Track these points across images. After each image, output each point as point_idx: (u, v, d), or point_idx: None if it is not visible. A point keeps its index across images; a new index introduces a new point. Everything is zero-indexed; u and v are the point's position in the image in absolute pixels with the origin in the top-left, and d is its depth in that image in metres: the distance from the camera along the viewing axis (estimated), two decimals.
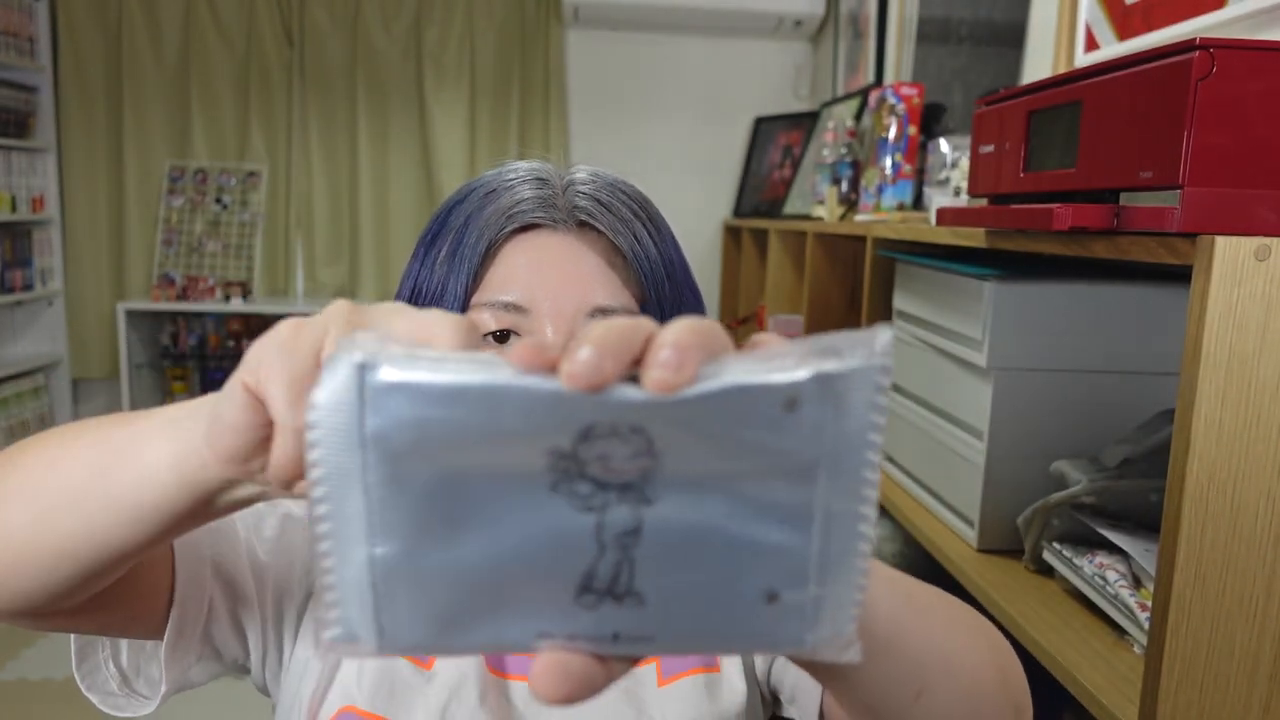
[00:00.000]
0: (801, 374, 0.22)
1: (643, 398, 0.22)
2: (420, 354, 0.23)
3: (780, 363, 0.23)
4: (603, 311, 0.49)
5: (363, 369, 0.22)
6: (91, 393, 2.78)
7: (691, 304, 0.54)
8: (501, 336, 0.50)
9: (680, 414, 0.22)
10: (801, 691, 0.49)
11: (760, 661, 0.53)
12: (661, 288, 0.52)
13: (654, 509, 0.23)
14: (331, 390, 0.23)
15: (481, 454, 0.23)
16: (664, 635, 0.24)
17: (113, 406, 2.72)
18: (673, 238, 0.55)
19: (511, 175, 0.53)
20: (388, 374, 0.22)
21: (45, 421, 2.60)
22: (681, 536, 0.23)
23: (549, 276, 0.50)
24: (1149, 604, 0.66)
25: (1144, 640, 0.64)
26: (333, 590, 0.24)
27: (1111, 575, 0.70)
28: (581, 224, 0.51)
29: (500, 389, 0.22)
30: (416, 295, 0.52)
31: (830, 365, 0.23)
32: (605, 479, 0.23)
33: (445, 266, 0.51)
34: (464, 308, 0.50)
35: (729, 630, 0.24)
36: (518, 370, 0.22)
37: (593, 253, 0.51)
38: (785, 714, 0.53)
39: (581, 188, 0.52)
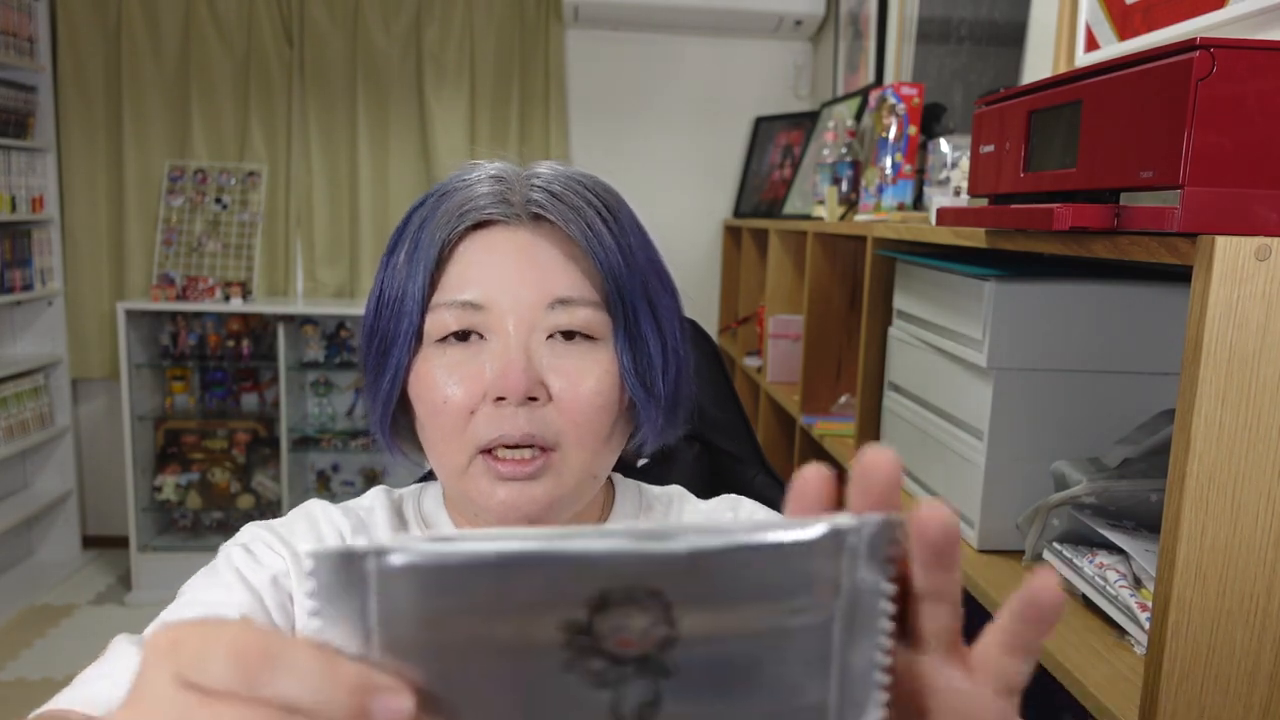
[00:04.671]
0: (823, 529, 0.23)
1: (660, 550, 0.22)
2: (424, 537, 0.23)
3: (794, 521, 0.23)
4: (562, 302, 0.49)
5: (367, 557, 0.22)
6: (91, 392, 2.78)
7: (658, 292, 0.53)
8: (462, 335, 0.49)
9: (697, 573, 0.22)
10: None
11: None
12: (620, 277, 0.50)
13: (671, 680, 0.23)
14: (334, 576, 0.22)
15: (493, 633, 0.22)
16: None
17: (112, 406, 2.72)
18: (635, 227, 0.54)
19: (468, 175, 0.53)
20: (396, 558, 0.22)
21: (45, 421, 2.60)
22: (701, 706, 0.23)
23: (506, 272, 0.49)
24: (1149, 604, 0.66)
25: (1144, 640, 0.64)
26: None
27: (1112, 575, 0.70)
28: (537, 217, 0.50)
29: (515, 556, 0.22)
30: (381, 301, 0.52)
31: (844, 521, 0.23)
32: (622, 654, 0.22)
33: (404, 270, 0.50)
34: (423, 309, 0.50)
35: None
36: (527, 539, 0.22)
37: (550, 245, 0.50)
38: None
39: (537, 182, 0.51)
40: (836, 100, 2.32)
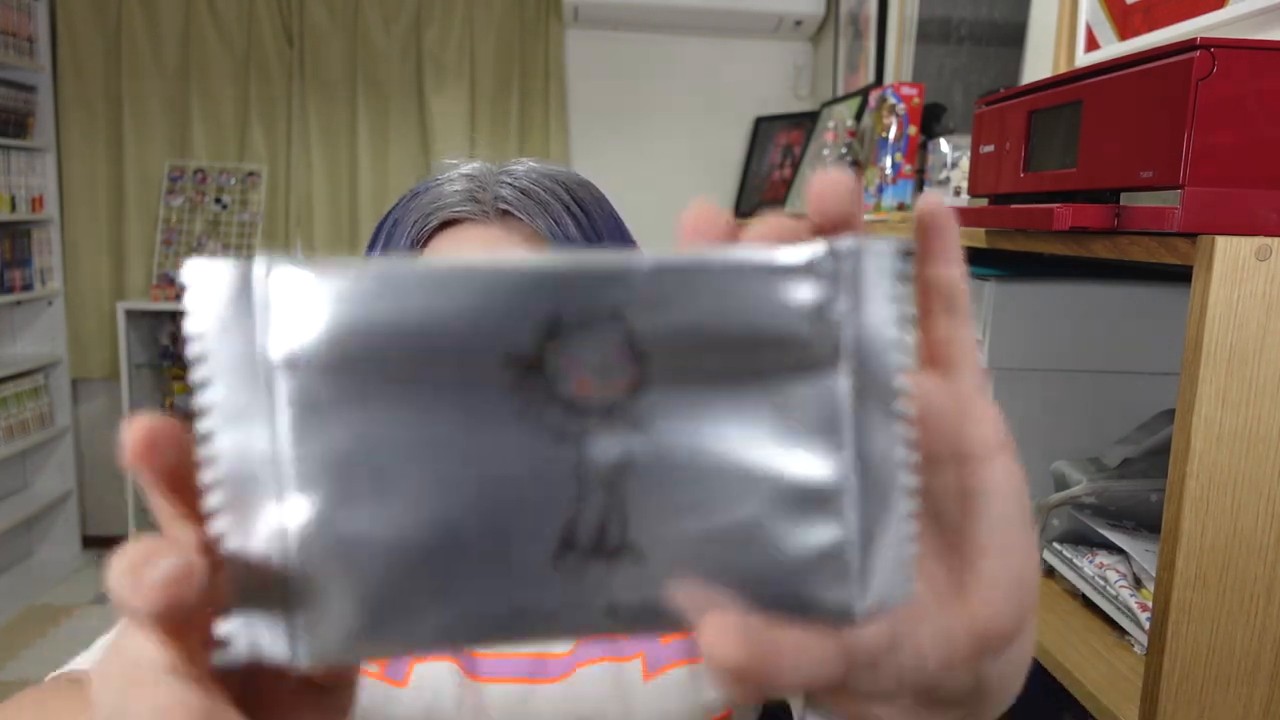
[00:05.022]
0: (814, 249, 0.18)
1: (616, 264, 0.17)
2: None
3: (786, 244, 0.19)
4: None
5: (252, 274, 0.18)
6: (91, 393, 2.78)
7: None
8: None
9: (666, 296, 0.18)
10: None
11: None
12: None
13: (645, 436, 0.18)
14: (214, 306, 0.18)
15: (422, 369, 0.17)
16: (671, 606, 0.19)
17: (112, 407, 2.72)
18: (611, 221, 0.53)
19: (442, 174, 0.53)
20: (289, 275, 0.17)
21: (45, 421, 2.60)
22: (683, 470, 0.18)
23: None
24: (1149, 604, 0.66)
25: (1144, 640, 0.64)
26: (228, 584, 0.18)
27: (1112, 575, 0.70)
28: (506, 214, 0.50)
29: (438, 274, 0.17)
30: None
31: (844, 242, 0.19)
32: (583, 401, 0.18)
33: None
34: None
35: (753, 597, 0.19)
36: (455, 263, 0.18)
37: (519, 241, 0.50)
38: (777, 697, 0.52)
39: (507, 179, 0.51)
40: (837, 100, 2.32)
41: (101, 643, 0.49)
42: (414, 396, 0.18)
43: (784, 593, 0.19)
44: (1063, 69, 1.19)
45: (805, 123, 2.44)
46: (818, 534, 0.18)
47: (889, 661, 0.20)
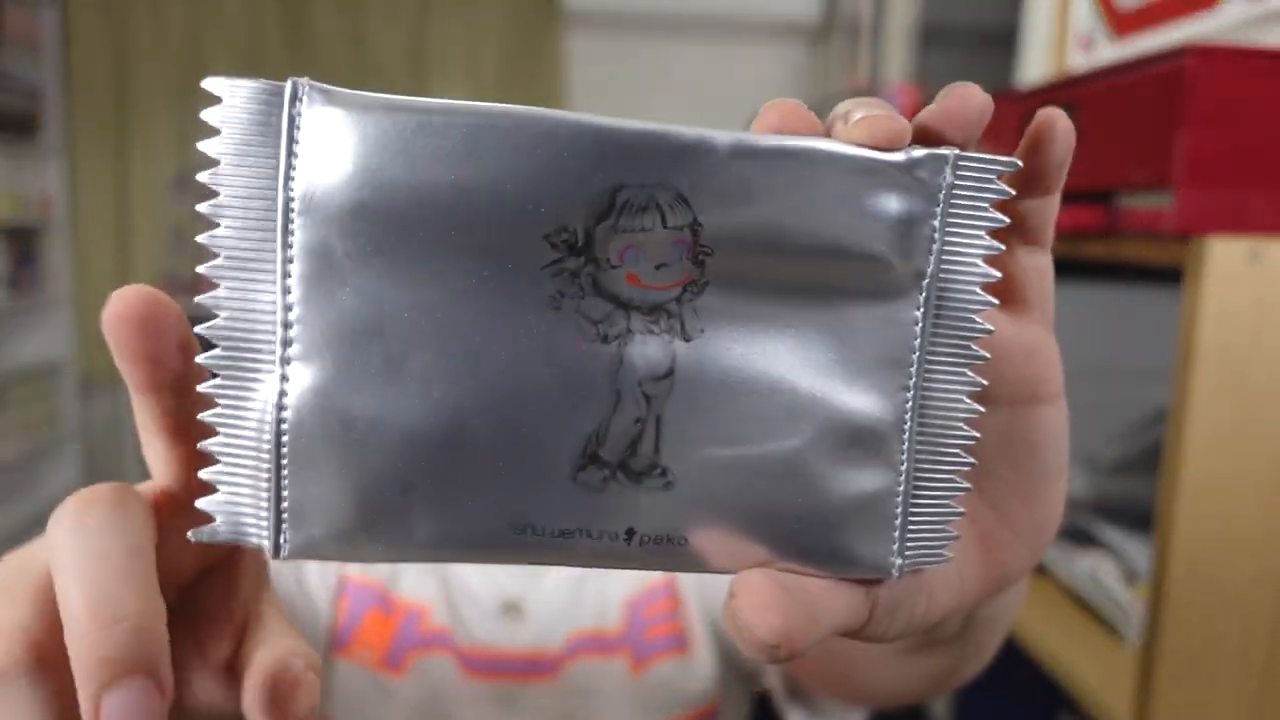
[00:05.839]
0: (915, 152, 0.16)
1: (691, 139, 0.15)
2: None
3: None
4: None
5: (280, 99, 0.15)
6: (99, 394, 2.80)
7: None
8: None
9: (746, 179, 0.15)
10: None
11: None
12: None
13: (692, 345, 0.16)
14: (232, 131, 0.15)
15: (455, 234, 0.15)
16: (698, 538, 0.16)
17: (120, 408, 2.73)
18: None
19: None
20: (319, 103, 0.15)
21: (53, 422, 2.62)
22: (728, 390, 0.16)
23: None
24: (1143, 602, 0.66)
25: (1137, 638, 0.65)
26: (217, 446, 0.16)
27: (1105, 573, 0.71)
28: None
29: (488, 123, 0.15)
30: None
31: (945, 151, 0.16)
32: (628, 293, 0.16)
33: None
34: None
35: (785, 541, 0.17)
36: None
37: None
38: (760, 685, 0.51)
39: None
40: (835, 101, 2.32)
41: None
42: (440, 266, 0.15)
43: (817, 540, 0.17)
44: (1057, 72, 1.20)
45: None
46: (863, 478, 0.16)
47: (905, 608, 0.19)
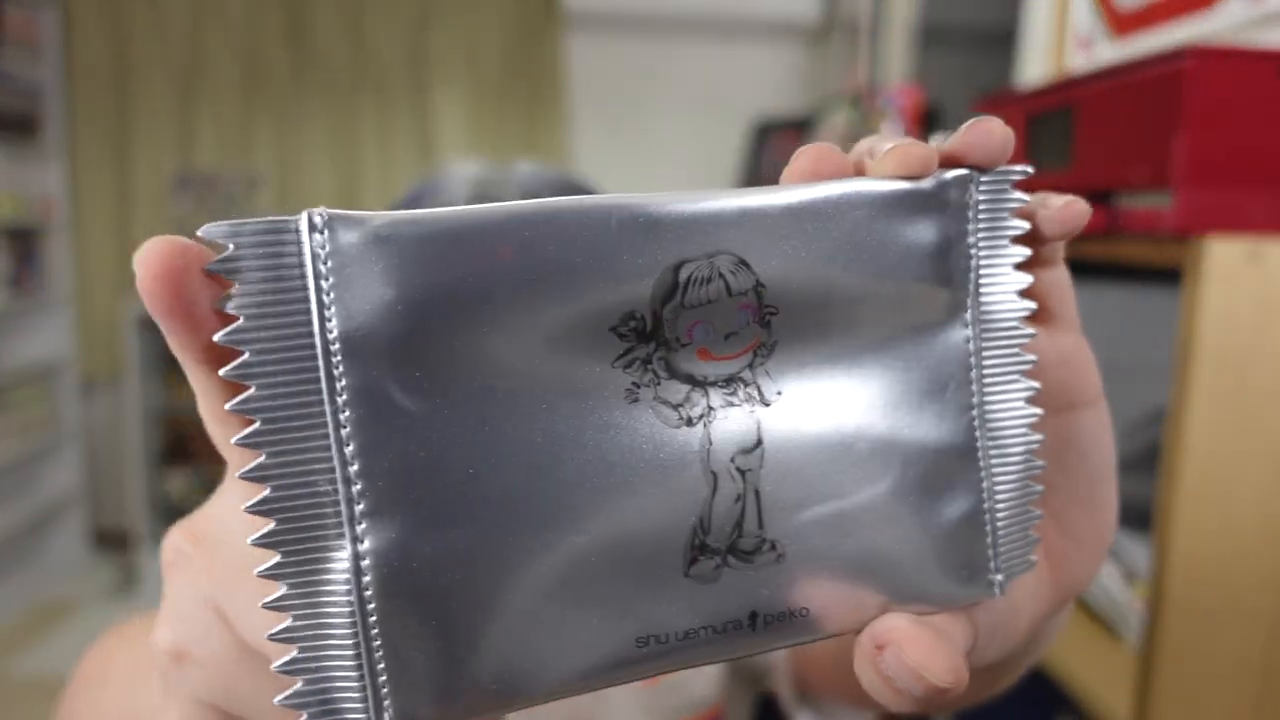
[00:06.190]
0: (942, 175, 0.16)
1: (743, 203, 0.15)
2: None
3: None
4: None
5: (306, 230, 0.14)
6: (100, 393, 2.80)
7: None
8: None
9: (800, 231, 0.15)
10: (774, 665, 0.47)
11: None
12: None
13: (773, 410, 0.15)
14: (248, 282, 0.13)
15: (516, 341, 0.14)
16: (818, 604, 0.16)
17: (121, 406, 2.74)
18: None
19: (443, 178, 0.53)
20: (344, 232, 0.13)
21: (54, 421, 2.62)
22: (813, 448, 0.16)
23: None
24: (1142, 602, 0.66)
25: (1137, 638, 0.65)
26: (293, 639, 0.14)
27: (1105, 573, 0.71)
28: None
29: (534, 218, 0.14)
30: None
31: (960, 171, 0.16)
32: (702, 370, 0.15)
33: None
34: None
35: (897, 584, 0.16)
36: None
37: None
38: (764, 688, 0.51)
39: (506, 187, 0.51)
40: (835, 102, 2.33)
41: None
42: (504, 383, 0.14)
43: (926, 576, 0.16)
44: (1057, 72, 1.20)
45: (804, 125, 2.45)
46: (954, 505, 0.16)
47: (1000, 630, 0.18)
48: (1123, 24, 1.00)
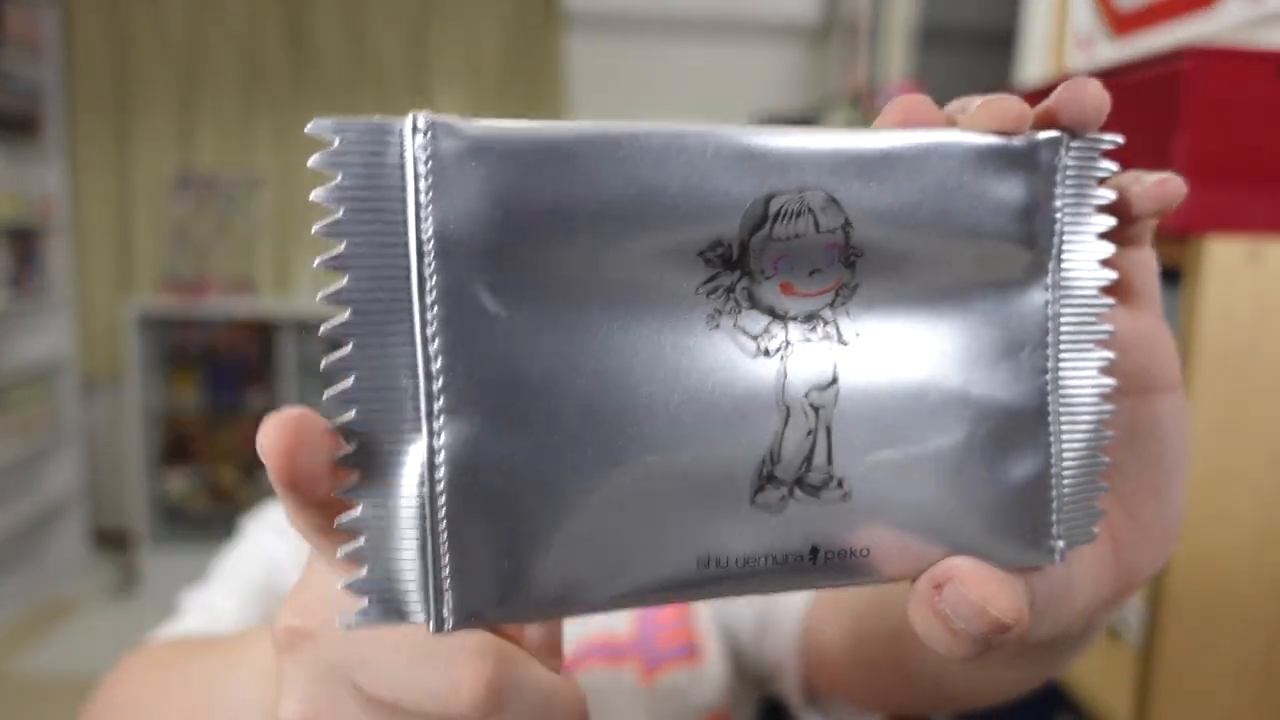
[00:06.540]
0: (1038, 135, 0.16)
1: (843, 142, 0.15)
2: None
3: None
4: None
5: (399, 136, 0.14)
6: (100, 392, 2.80)
7: None
8: None
9: (894, 176, 0.15)
10: (782, 668, 0.47)
11: (745, 635, 0.49)
12: None
13: (850, 351, 0.15)
14: (348, 176, 0.14)
15: (605, 258, 0.14)
16: (879, 547, 0.16)
17: (121, 406, 2.74)
18: None
19: None
20: (445, 136, 0.14)
21: (54, 421, 2.62)
22: (887, 392, 0.16)
23: None
24: (1142, 602, 0.66)
25: (1137, 637, 0.65)
26: (360, 528, 0.14)
27: None
28: None
29: (633, 139, 0.14)
30: None
31: (1046, 133, 0.17)
32: (784, 304, 0.15)
33: None
34: None
35: (959, 538, 0.16)
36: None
37: None
38: (768, 692, 0.51)
39: None
40: (835, 103, 2.33)
41: (192, 601, 0.46)
42: (591, 297, 0.14)
43: (989, 532, 0.16)
44: (1056, 72, 1.20)
45: (803, 125, 2.45)
46: (1022, 465, 0.16)
47: (1054, 606, 0.18)
48: (1122, 24, 1.01)
